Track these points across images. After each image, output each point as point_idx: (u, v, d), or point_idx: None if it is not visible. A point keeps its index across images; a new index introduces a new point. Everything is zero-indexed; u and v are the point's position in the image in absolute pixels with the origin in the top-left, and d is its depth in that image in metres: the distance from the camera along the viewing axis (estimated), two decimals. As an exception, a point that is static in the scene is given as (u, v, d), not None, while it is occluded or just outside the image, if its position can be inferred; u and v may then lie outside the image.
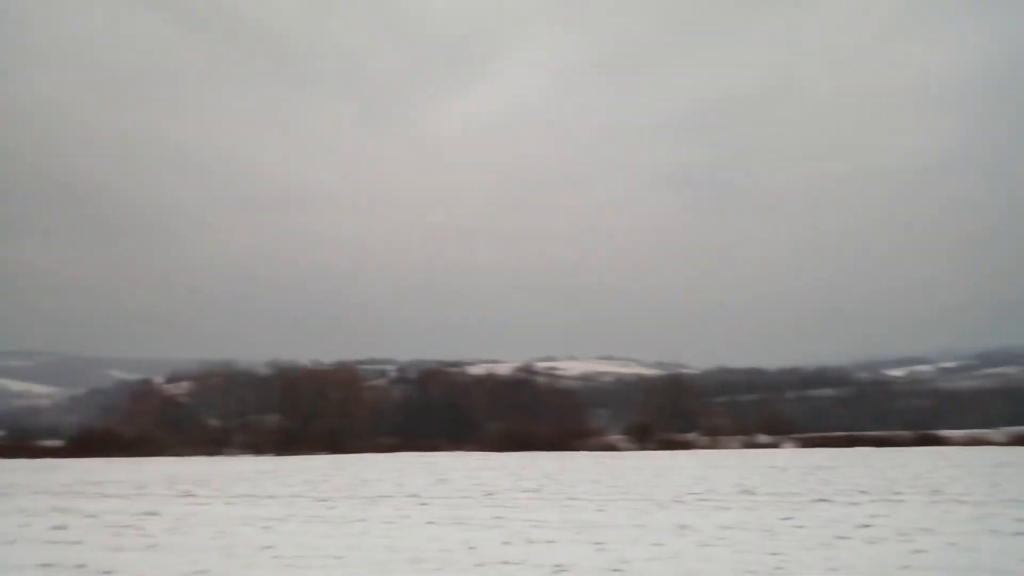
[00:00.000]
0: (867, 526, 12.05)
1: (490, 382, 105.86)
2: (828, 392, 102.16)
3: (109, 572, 9.12)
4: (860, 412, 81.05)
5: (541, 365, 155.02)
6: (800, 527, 12.01)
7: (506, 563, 9.33)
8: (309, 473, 30.05)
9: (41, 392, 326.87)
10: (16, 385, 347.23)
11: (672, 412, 64.42)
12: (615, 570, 8.84)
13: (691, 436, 52.32)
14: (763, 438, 49.63)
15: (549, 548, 10.35)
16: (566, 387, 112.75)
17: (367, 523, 13.49)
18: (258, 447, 60.37)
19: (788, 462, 29.50)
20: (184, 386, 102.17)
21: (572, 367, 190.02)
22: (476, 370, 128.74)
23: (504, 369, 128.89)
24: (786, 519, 12.95)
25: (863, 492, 17.34)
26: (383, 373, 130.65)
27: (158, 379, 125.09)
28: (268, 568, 9.23)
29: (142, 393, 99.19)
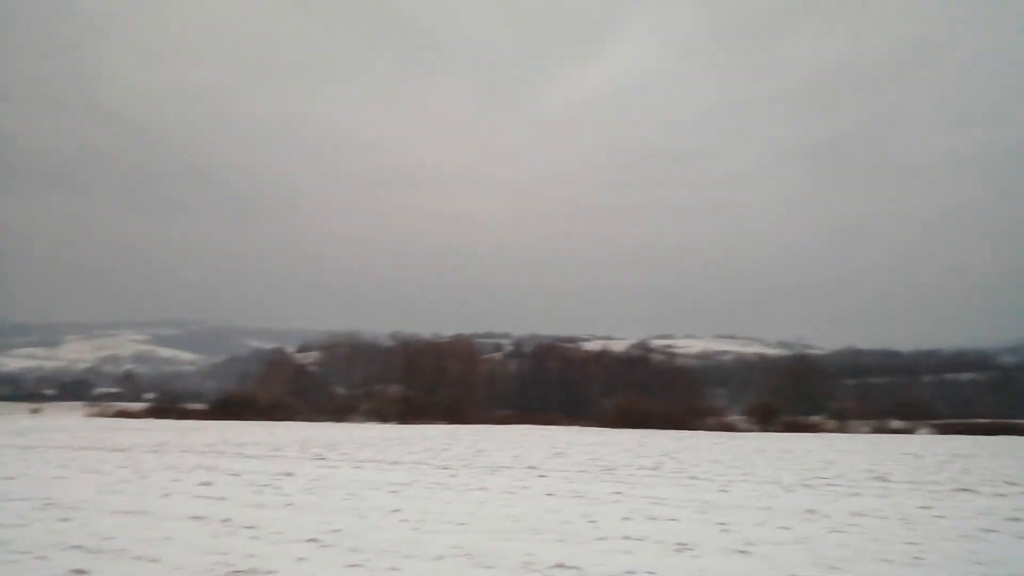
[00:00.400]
0: (1017, 520, 11.22)
1: (605, 358, 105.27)
2: (969, 376, 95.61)
3: (252, 527, 9.70)
4: (1006, 398, 75.44)
5: (658, 343, 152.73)
6: (940, 517, 11.33)
7: (627, 538, 9.28)
8: (430, 442, 30.92)
9: (186, 359, 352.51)
10: (165, 352, 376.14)
11: (796, 393, 62.10)
12: (741, 551, 8.63)
13: (817, 419, 50.27)
14: (896, 423, 47.07)
15: (671, 526, 10.22)
16: (683, 365, 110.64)
17: (487, 492, 13.76)
18: (382, 415, 62.70)
19: (924, 449, 27.86)
20: (313, 355, 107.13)
21: (690, 345, 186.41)
22: (591, 346, 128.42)
23: (619, 346, 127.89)
24: (924, 508, 12.25)
25: (1011, 483, 16.15)
26: (499, 347, 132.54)
27: (289, 348, 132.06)
28: (396, 530, 9.57)
29: (275, 361, 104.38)
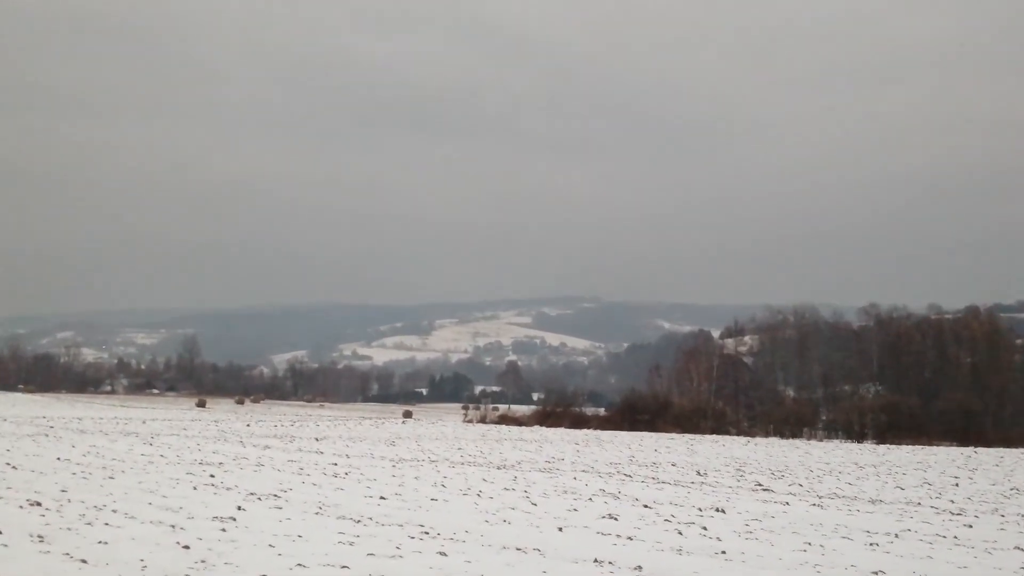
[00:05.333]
0: None
1: None
2: None
3: (671, 580, 10.19)
4: None
5: None
6: None
7: None
8: (930, 471, 29.47)
9: (579, 346, 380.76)
10: (553, 338, 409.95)
11: None
12: None
13: None
14: None
15: None
16: None
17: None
18: (852, 429, 61.31)
19: None
20: (747, 341, 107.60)
21: None
22: None
23: None
24: None
25: None
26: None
27: (714, 331, 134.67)
28: (878, 602, 9.32)
29: (695, 350, 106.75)
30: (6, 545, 10.81)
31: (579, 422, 67.34)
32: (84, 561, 9.89)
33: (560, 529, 13.80)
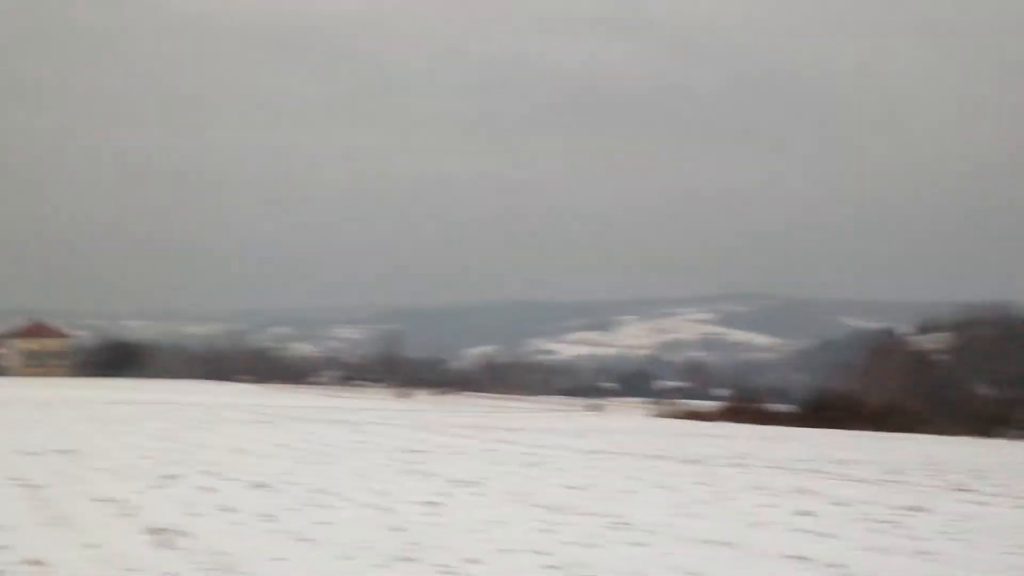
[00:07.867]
0: None
1: None
2: None
3: (871, 577, 10.32)
4: None
5: None
6: None
7: None
8: None
9: (762, 343, 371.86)
10: (735, 335, 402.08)
11: None
12: None
13: None
14: None
15: None
16: None
17: None
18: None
19: None
20: (940, 339, 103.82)
21: None
22: None
23: None
24: None
25: None
26: None
27: (904, 329, 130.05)
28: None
29: (883, 348, 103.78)
30: (242, 523, 11.98)
31: (765, 418, 66.61)
32: (312, 540, 10.75)
33: (753, 524, 14.02)
